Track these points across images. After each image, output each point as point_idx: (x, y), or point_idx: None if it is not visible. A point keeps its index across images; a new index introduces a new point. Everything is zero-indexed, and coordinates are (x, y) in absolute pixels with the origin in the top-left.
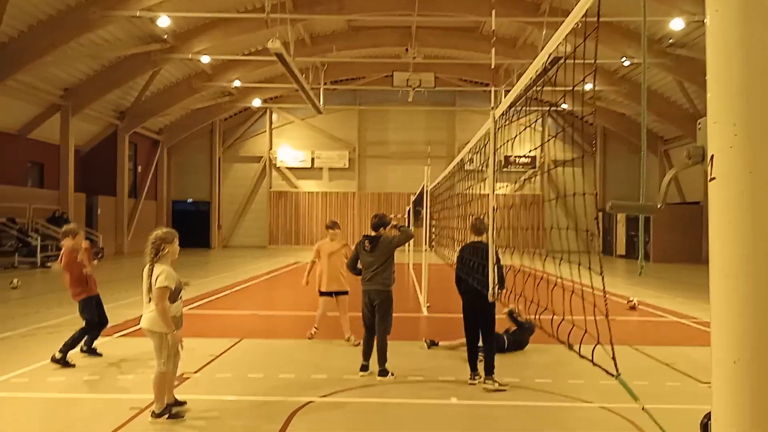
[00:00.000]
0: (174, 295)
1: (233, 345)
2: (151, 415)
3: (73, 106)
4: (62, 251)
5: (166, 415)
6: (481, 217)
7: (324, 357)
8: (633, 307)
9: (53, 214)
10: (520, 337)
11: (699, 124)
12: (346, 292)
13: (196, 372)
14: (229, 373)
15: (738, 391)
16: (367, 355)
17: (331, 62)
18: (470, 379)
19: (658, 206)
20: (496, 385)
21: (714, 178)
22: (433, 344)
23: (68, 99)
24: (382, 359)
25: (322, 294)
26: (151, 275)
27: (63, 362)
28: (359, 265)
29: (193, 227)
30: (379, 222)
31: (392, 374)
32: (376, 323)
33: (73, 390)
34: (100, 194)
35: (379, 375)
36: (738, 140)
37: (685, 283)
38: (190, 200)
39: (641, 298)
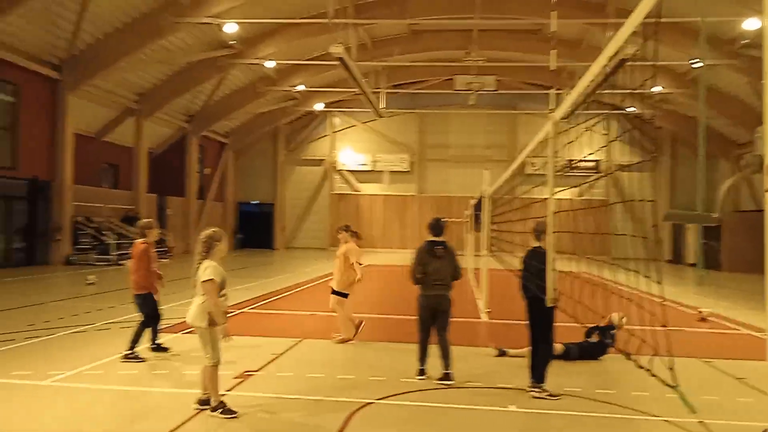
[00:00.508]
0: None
1: (294, 345)
2: (210, 409)
3: (145, 110)
4: (136, 243)
5: (221, 410)
6: (541, 221)
7: (382, 359)
8: (703, 319)
9: (127, 213)
10: (598, 348)
11: (757, 132)
12: (344, 294)
13: (258, 370)
14: (290, 371)
15: None
16: (424, 360)
17: (392, 66)
18: (529, 387)
19: (715, 216)
20: (544, 394)
21: None
22: (502, 353)
23: (141, 103)
24: (449, 360)
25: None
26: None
27: (133, 357)
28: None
29: (257, 228)
30: (443, 226)
31: (453, 381)
32: (439, 327)
33: (143, 383)
34: (169, 195)
35: (443, 379)
36: None
37: (759, 293)
38: (254, 202)
39: (712, 309)
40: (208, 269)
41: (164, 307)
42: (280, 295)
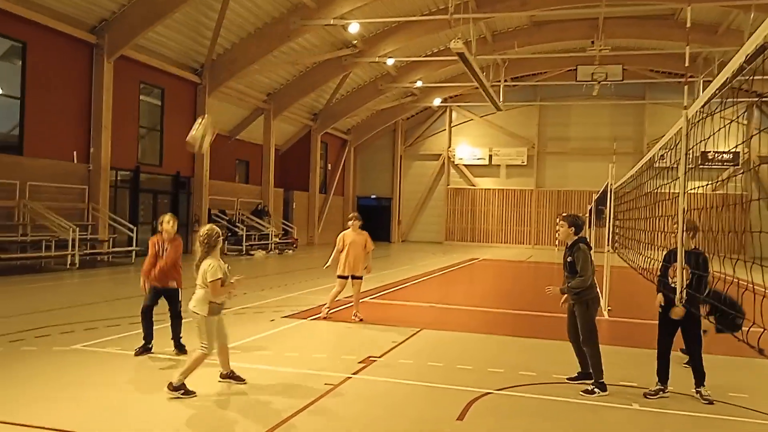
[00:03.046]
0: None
1: (414, 334)
2: (172, 388)
3: (274, 109)
4: (175, 236)
5: (182, 391)
6: (691, 219)
7: (501, 352)
8: None
9: (256, 207)
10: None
11: None
12: (361, 277)
13: (380, 356)
14: (410, 359)
15: None
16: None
17: (513, 59)
18: (651, 390)
19: None
20: (707, 395)
21: None
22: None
23: (270, 103)
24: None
25: (340, 277)
26: (202, 266)
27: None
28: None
29: (376, 222)
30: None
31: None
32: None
33: (275, 363)
34: (294, 189)
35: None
36: None
37: None
38: (373, 196)
39: None
40: (212, 269)
41: (293, 294)
42: (399, 287)
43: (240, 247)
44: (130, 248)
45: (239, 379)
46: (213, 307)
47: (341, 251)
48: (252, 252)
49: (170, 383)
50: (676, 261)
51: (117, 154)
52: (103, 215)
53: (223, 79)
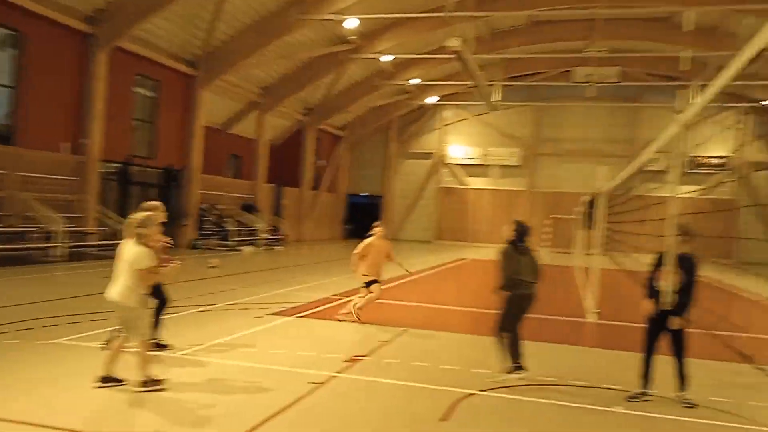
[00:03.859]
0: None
1: (400, 334)
2: (140, 385)
3: (268, 104)
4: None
5: (151, 386)
6: (684, 222)
7: (486, 353)
8: None
9: (245, 202)
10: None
11: None
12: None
13: (366, 355)
14: (396, 358)
15: None
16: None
17: (510, 58)
18: (634, 393)
19: None
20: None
21: None
22: None
23: (264, 97)
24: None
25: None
26: (128, 254)
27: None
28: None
29: (366, 219)
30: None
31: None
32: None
33: (260, 361)
34: (285, 185)
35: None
36: None
37: None
38: (364, 194)
39: None
40: (141, 256)
41: (281, 291)
42: (387, 285)
43: (228, 243)
44: (118, 241)
45: (118, 381)
46: (144, 298)
47: (364, 256)
48: (240, 248)
49: (136, 383)
50: (664, 265)
51: (109, 145)
52: (92, 207)
53: (219, 72)
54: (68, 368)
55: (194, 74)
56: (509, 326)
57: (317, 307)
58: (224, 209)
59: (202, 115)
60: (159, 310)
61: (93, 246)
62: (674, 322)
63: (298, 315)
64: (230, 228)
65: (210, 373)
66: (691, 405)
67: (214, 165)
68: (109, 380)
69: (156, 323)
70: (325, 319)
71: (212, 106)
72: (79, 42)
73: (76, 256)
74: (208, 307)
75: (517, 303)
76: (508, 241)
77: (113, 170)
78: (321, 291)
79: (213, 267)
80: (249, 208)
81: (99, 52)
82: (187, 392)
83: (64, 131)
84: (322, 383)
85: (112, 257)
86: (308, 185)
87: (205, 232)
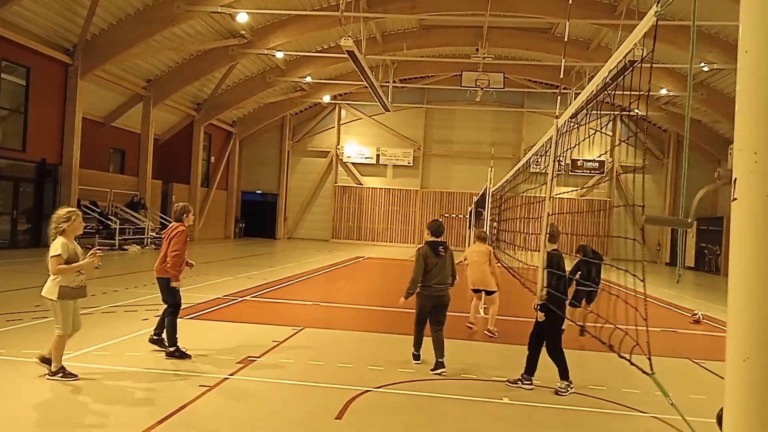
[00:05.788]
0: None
1: (295, 333)
2: (50, 373)
3: (154, 97)
4: (174, 229)
5: (61, 374)
6: (555, 224)
7: (381, 350)
8: (697, 321)
9: (132, 199)
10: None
11: (730, 149)
12: (493, 292)
13: (260, 356)
14: (291, 358)
15: (747, 386)
16: (420, 347)
17: (401, 60)
18: (514, 380)
19: (690, 221)
20: (567, 388)
21: (736, 199)
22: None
23: (150, 90)
24: (443, 352)
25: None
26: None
27: (179, 354)
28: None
29: (260, 218)
30: (443, 228)
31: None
32: (438, 321)
33: (146, 365)
34: (174, 182)
35: (436, 368)
36: (758, 167)
37: None
38: (258, 191)
39: (709, 312)
40: (54, 245)
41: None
42: (283, 284)
43: (113, 242)
44: None
45: (72, 375)
46: (65, 290)
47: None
48: (126, 246)
49: (48, 370)
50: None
51: None
52: None
53: (99, 61)
54: None
55: (71, 63)
56: (417, 324)
57: (209, 308)
58: (108, 206)
59: (80, 106)
60: (172, 314)
61: None
62: (538, 316)
63: (188, 317)
64: (115, 226)
65: (94, 379)
66: (562, 393)
67: (96, 159)
68: (46, 361)
69: (172, 328)
70: (217, 321)
71: (93, 97)
72: None
73: None
74: (89, 310)
75: (421, 302)
76: (428, 242)
77: None
78: (212, 292)
79: (96, 267)
80: (135, 205)
81: None
82: (73, 399)
83: None
84: (212, 387)
85: None
86: (199, 182)
87: (86, 231)
